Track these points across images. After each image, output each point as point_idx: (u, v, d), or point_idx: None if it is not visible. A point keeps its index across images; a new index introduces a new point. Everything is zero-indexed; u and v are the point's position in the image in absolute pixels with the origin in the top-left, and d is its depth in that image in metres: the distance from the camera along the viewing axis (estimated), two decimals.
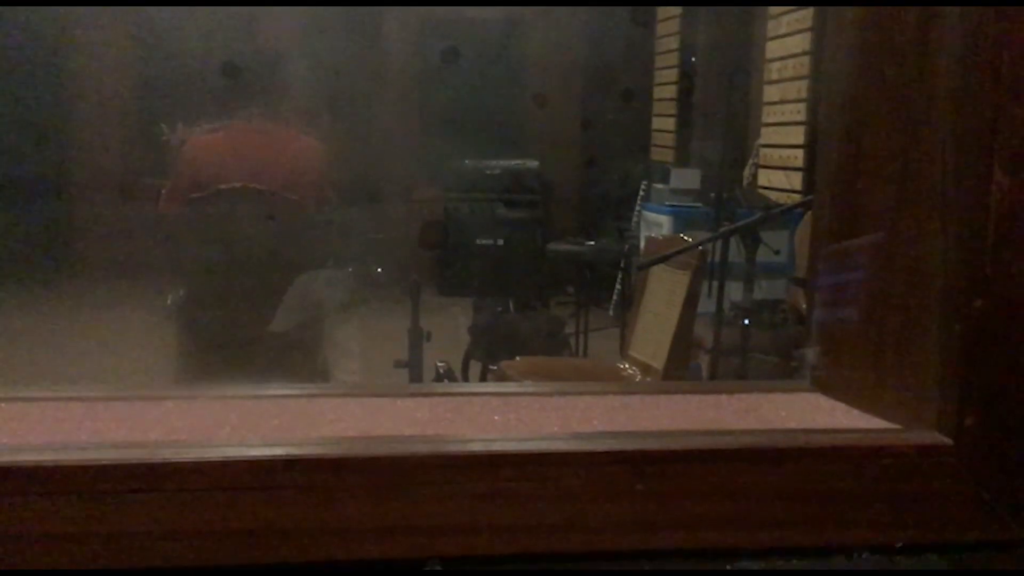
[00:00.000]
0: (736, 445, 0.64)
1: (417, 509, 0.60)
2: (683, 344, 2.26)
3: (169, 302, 2.73)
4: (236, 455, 0.59)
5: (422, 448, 0.62)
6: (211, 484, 0.58)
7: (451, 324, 4.39)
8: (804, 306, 3.06)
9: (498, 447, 0.62)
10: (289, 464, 0.59)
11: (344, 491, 0.59)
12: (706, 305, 2.67)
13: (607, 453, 0.63)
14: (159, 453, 0.59)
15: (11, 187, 5.02)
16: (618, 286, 5.82)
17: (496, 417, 0.73)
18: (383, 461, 0.60)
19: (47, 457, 0.57)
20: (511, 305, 4.32)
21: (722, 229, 2.69)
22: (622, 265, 5.62)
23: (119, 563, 0.57)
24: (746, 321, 2.65)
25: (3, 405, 0.71)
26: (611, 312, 5.88)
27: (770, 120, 5.26)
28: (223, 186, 2.40)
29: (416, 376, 3.13)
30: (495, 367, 3.14)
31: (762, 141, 5.33)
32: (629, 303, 3.62)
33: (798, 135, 4.88)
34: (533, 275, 6.05)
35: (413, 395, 0.81)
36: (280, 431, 0.67)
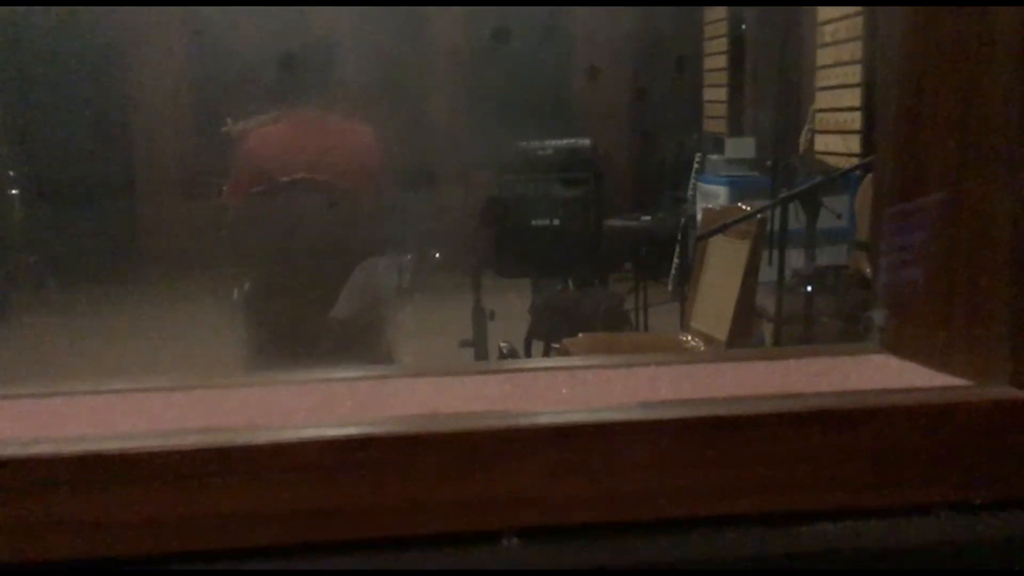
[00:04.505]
0: (807, 408, 0.64)
1: (491, 482, 0.61)
2: (746, 314, 2.24)
3: (236, 296, 2.79)
4: (312, 436, 0.60)
5: (493, 423, 0.63)
6: (289, 465, 0.59)
7: (511, 305, 4.40)
8: (868, 270, 3.02)
9: (568, 419, 0.63)
10: (364, 443, 0.60)
11: (418, 467, 0.61)
12: (767, 274, 2.64)
13: (677, 421, 0.63)
14: (239, 437, 0.60)
15: (77, 186, 5.15)
16: (676, 260, 5.79)
17: (564, 390, 0.74)
18: (455, 437, 0.61)
19: (132, 444, 0.59)
20: (570, 284, 4.32)
21: (781, 195, 2.65)
22: (679, 238, 5.58)
23: (202, 545, 0.59)
24: (809, 288, 2.61)
25: (87, 398, 0.73)
26: (670, 287, 5.84)
27: (825, 84, 5.17)
28: (284, 178, 2.44)
29: (481, 355, 3.16)
30: (557, 345, 3.14)
31: (817, 106, 5.24)
32: (688, 277, 3.60)
33: (854, 98, 4.78)
34: (590, 253, 6.02)
35: (480, 373, 0.81)
36: (353, 412, 0.69)
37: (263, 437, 0.60)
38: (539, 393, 0.73)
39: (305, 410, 0.69)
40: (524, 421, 0.63)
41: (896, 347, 0.80)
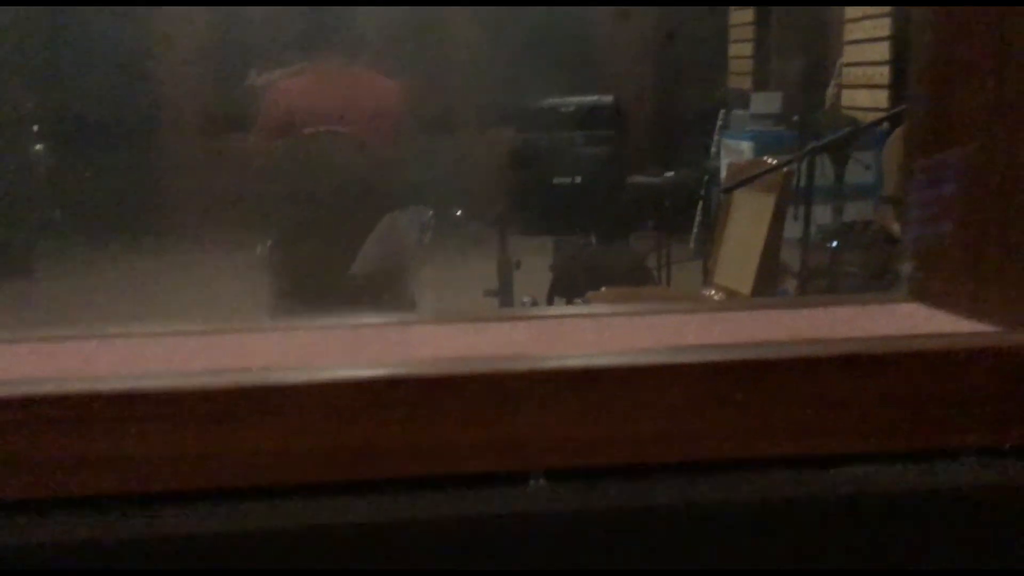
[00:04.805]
0: (835, 352, 0.64)
1: (519, 424, 0.62)
2: (770, 268, 2.22)
3: (259, 252, 2.80)
4: (343, 376, 0.61)
5: (521, 365, 0.63)
6: (320, 404, 0.60)
7: (533, 262, 4.40)
8: (894, 226, 3.00)
9: (596, 362, 0.63)
10: (393, 384, 0.61)
11: (447, 408, 0.61)
12: (792, 230, 2.62)
13: (704, 364, 0.63)
14: (270, 377, 0.61)
15: (102, 137, 5.17)
16: (698, 217, 5.76)
17: (590, 336, 0.74)
18: (484, 378, 0.62)
19: (166, 383, 0.60)
20: (593, 240, 4.31)
21: (809, 146, 2.62)
22: (702, 194, 5.55)
23: (235, 482, 0.60)
24: (834, 243, 2.59)
25: (118, 341, 0.74)
26: (692, 244, 5.82)
27: (852, 37, 5.09)
28: (308, 130, 2.44)
29: (506, 304, 3.17)
30: (580, 300, 3.15)
31: (844, 60, 5.16)
32: (710, 234, 3.58)
33: (883, 51, 4.71)
34: (612, 210, 6.00)
35: (506, 319, 0.82)
36: (381, 355, 0.69)
37: (295, 377, 0.61)
38: (566, 338, 0.74)
39: (333, 353, 0.70)
40: (552, 363, 0.63)
41: (925, 296, 0.79)
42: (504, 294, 3.18)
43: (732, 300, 2.24)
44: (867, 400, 0.63)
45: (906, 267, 0.83)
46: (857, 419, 0.63)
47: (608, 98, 6.84)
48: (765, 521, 0.62)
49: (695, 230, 5.80)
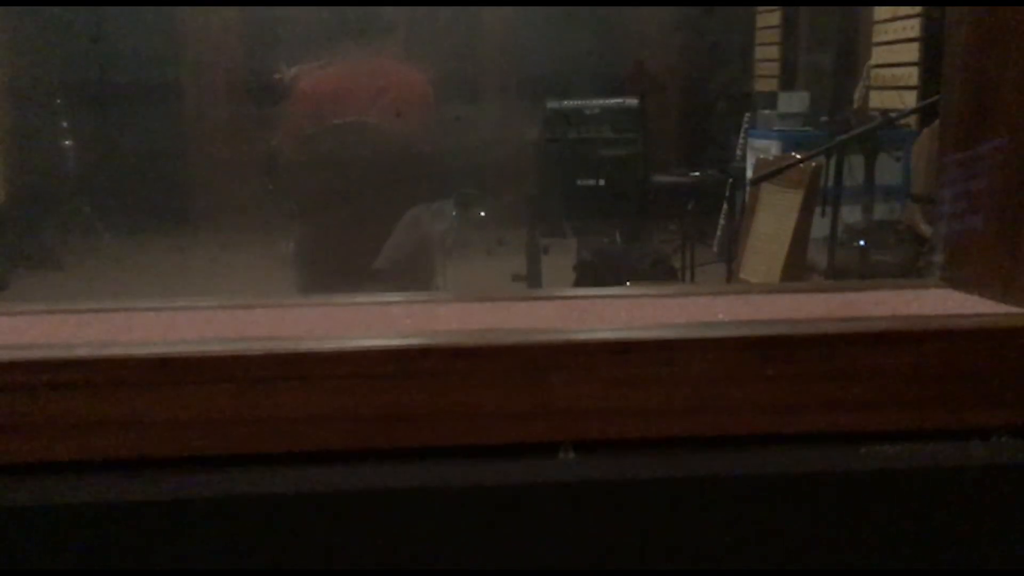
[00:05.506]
0: (867, 329, 0.64)
1: (549, 395, 0.62)
2: (796, 264, 2.21)
3: (284, 248, 2.82)
4: (376, 345, 0.61)
5: (552, 337, 0.63)
6: (352, 372, 0.60)
7: (555, 261, 4.40)
8: (922, 226, 2.98)
9: (627, 335, 0.63)
10: (424, 352, 0.61)
11: (478, 378, 0.61)
12: (819, 230, 2.61)
13: (736, 339, 0.63)
14: (304, 344, 0.61)
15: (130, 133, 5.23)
16: (722, 221, 5.73)
17: (622, 313, 0.74)
18: (515, 349, 0.62)
19: (199, 349, 0.60)
20: (617, 239, 4.30)
21: (838, 138, 2.60)
22: (727, 194, 5.52)
23: (268, 447, 0.61)
24: (862, 242, 2.57)
25: (152, 313, 0.75)
26: (715, 248, 5.79)
27: (881, 39, 5.06)
28: (336, 121, 2.45)
29: (535, 287, 3.16)
30: None
31: (873, 62, 5.13)
32: (734, 238, 3.57)
33: (912, 52, 4.68)
34: (636, 211, 5.98)
35: (536, 299, 0.82)
36: (412, 327, 0.70)
37: (328, 344, 0.61)
38: (596, 315, 0.74)
39: (365, 324, 0.70)
40: (583, 336, 0.63)
41: (957, 282, 0.79)
42: (532, 277, 3.17)
43: (763, 284, 2.22)
44: (899, 378, 0.63)
45: (938, 256, 0.83)
46: (888, 397, 0.63)
47: (633, 101, 6.81)
48: (794, 497, 0.62)
49: (719, 234, 5.77)
